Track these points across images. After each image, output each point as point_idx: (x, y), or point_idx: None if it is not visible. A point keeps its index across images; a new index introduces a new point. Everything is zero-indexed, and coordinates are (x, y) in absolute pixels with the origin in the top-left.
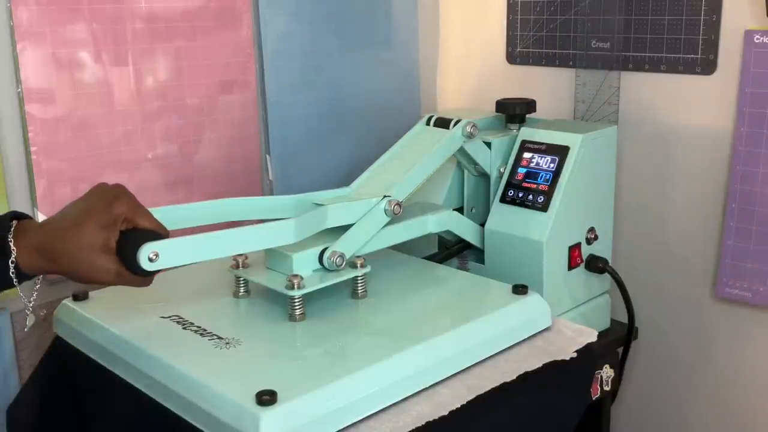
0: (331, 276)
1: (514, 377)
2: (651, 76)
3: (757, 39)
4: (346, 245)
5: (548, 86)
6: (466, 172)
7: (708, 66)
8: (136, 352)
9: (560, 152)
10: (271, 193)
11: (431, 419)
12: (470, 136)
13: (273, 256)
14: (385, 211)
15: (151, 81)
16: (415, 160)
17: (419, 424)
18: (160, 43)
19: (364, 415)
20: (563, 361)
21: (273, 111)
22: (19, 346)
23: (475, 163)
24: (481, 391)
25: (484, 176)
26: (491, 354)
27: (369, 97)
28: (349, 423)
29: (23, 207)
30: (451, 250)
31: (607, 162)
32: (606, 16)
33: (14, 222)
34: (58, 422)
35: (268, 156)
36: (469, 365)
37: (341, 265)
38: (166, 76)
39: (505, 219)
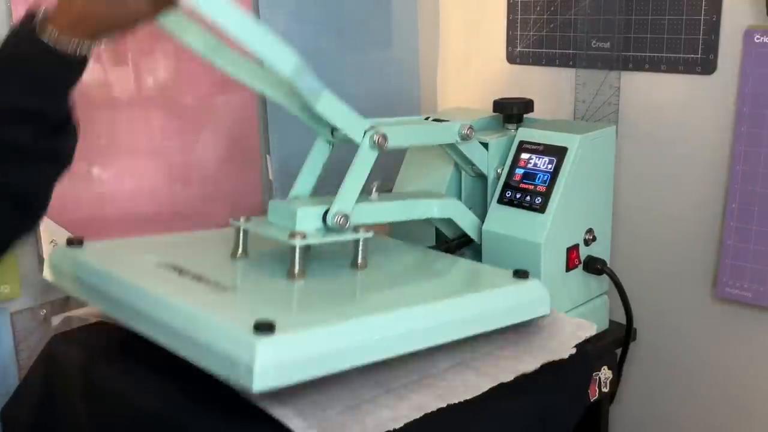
0: (334, 235)
1: (511, 378)
2: (651, 76)
3: (757, 39)
4: (346, 201)
5: (548, 86)
6: (463, 173)
7: (708, 66)
8: (132, 291)
9: (558, 153)
10: (271, 194)
11: (430, 410)
12: (466, 138)
13: (276, 211)
14: (371, 145)
15: (151, 81)
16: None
17: (418, 416)
18: (160, 43)
19: (358, 363)
20: (561, 360)
21: (273, 111)
22: (18, 347)
23: (472, 164)
24: (478, 391)
25: (482, 177)
26: (487, 330)
27: (369, 97)
28: (344, 367)
29: None
30: (449, 245)
31: (605, 162)
32: (606, 16)
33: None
34: (53, 422)
35: (268, 156)
36: (465, 336)
37: (345, 225)
38: (166, 76)
39: (502, 220)
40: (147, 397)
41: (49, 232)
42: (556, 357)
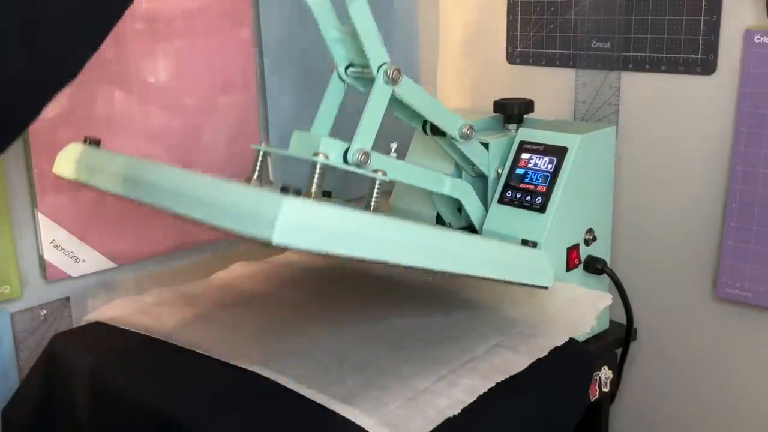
0: (353, 168)
1: (546, 353)
2: (651, 76)
3: (757, 39)
4: (365, 138)
5: (548, 86)
6: (464, 172)
7: (708, 66)
8: (155, 170)
9: (558, 153)
10: None
11: (482, 392)
12: (467, 138)
13: (299, 140)
14: (385, 80)
15: (152, 81)
16: None
17: (471, 399)
18: (160, 43)
19: (369, 256)
20: (561, 360)
21: (273, 111)
22: (19, 347)
23: (473, 164)
24: (520, 367)
25: (482, 177)
26: (491, 276)
27: None
28: (356, 254)
29: (23, 207)
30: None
31: (605, 162)
32: (606, 16)
33: None
34: (53, 423)
35: (268, 156)
36: (468, 273)
37: (366, 163)
38: (166, 76)
39: (503, 220)
40: (148, 397)
41: (49, 232)
42: (581, 331)
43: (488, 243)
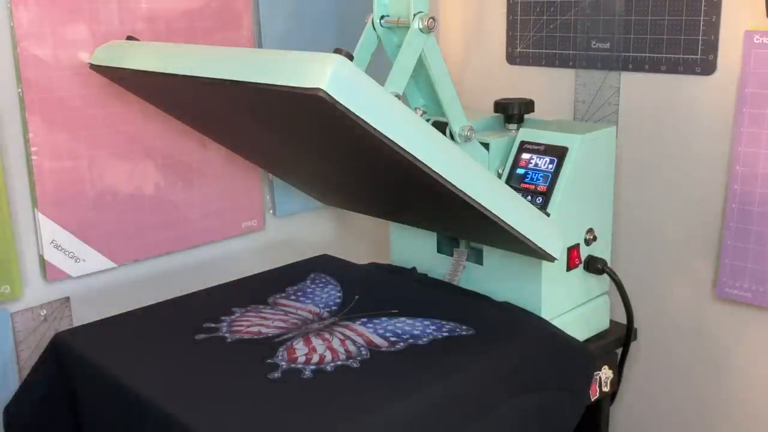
0: None
1: None
2: (651, 76)
3: (757, 39)
4: (398, 82)
5: (548, 86)
6: None
7: (708, 66)
8: (209, 49)
9: (559, 153)
10: (273, 195)
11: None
12: (467, 139)
13: None
14: (419, 27)
15: None
16: None
17: None
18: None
19: (406, 145)
20: (562, 360)
21: None
22: (19, 346)
23: None
24: None
25: None
26: (507, 222)
27: None
28: (390, 134)
29: (23, 207)
30: None
31: (606, 162)
32: (606, 16)
33: None
34: (55, 422)
35: None
36: (486, 206)
37: None
38: None
39: None
40: (149, 395)
41: (49, 232)
42: None
43: (510, 191)
